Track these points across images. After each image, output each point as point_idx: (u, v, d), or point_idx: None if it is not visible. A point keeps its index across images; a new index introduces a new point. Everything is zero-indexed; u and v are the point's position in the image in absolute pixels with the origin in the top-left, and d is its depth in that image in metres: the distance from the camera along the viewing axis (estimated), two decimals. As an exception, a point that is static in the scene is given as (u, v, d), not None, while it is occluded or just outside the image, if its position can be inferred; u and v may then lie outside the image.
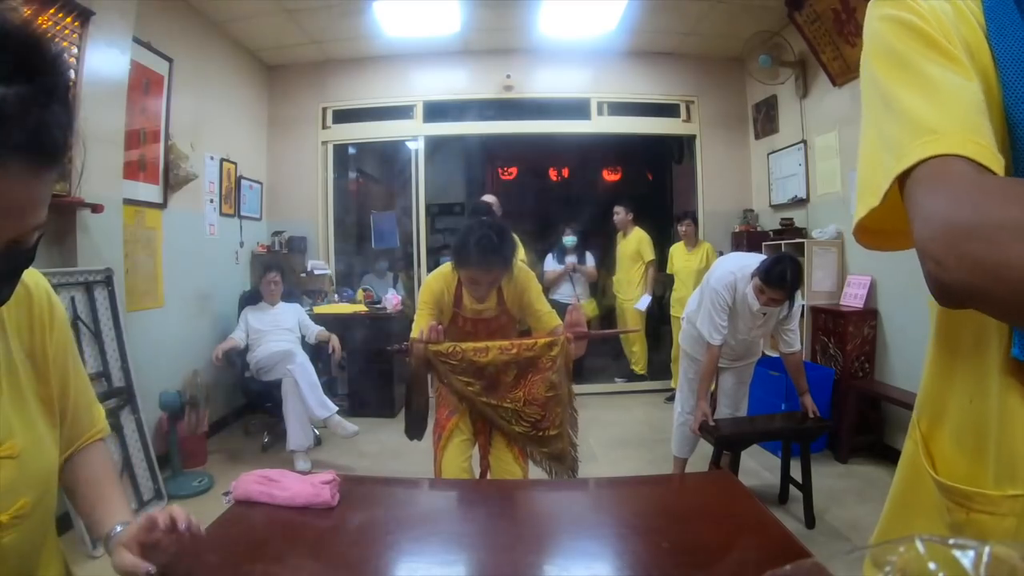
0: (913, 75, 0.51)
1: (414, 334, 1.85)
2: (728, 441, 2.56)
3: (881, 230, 0.56)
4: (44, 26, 0.54)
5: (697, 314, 2.71)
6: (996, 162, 0.46)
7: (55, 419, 0.76)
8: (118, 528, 0.76)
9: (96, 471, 0.84)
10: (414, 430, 1.92)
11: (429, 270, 2.08)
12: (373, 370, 4.24)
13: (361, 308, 4.50)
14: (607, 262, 5.32)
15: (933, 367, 0.64)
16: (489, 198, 3.55)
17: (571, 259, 5.00)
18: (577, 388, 5.05)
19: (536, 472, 1.91)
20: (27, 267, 0.62)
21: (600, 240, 5.33)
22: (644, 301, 4.78)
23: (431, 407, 2.03)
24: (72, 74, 0.58)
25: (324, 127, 4.99)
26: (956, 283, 0.44)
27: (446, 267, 1.95)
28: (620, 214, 4.92)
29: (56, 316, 0.76)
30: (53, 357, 0.75)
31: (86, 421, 0.83)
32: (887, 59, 0.54)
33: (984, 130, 0.47)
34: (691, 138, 5.11)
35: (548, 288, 4.93)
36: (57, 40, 0.54)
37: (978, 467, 0.55)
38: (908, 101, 0.51)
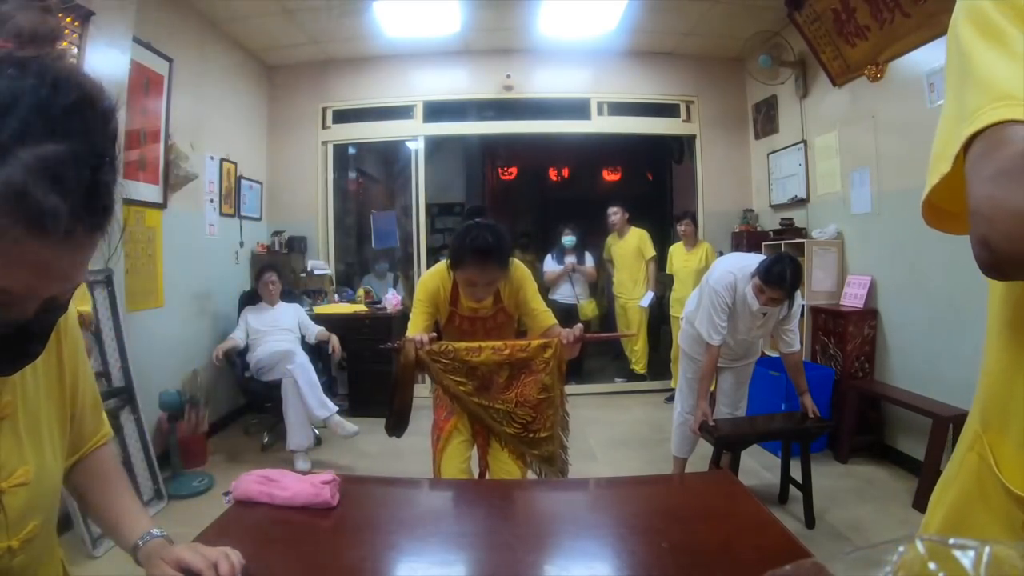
0: (1000, 43, 0.49)
1: (410, 332, 1.84)
2: (728, 441, 2.56)
3: (948, 211, 0.54)
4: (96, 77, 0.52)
5: (696, 314, 2.71)
6: None
7: (65, 430, 0.75)
8: (147, 538, 0.78)
9: (108, 477, 0.84)
10: (394, 428, 1.92)
11: (427, 270, 2.07)
12: (373, 370, 4.23)
13: (361, 308, 4.51)
14: (601, 263, 5.32)
15: (998, 367, 0.60)
16: None
17: (571, 259, 5.00)
18: (577, 388, 5.04)
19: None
20: (59, 317, 0.61)
21: (600, 240, 5.33)
22: (648, 298, 4.79)
23: (432, 407, 2.03)
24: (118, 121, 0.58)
25: (324, 127, 4.99)
26: (1008, 240, 0.42)
27: (442, 265, 1.92)
28: (617, 214, 4.92)
29: (70, 319, 0.76)
30: (67, 360, 0.75)
31: (92, 424, 0.83)
32: (976, 25, 0.52)
33: None
34: (691, 138, 5.11)
35: (548, 288, 4.94)
36: (108, 91, 0.53)
37: None
38: (990, 69, 0.49)
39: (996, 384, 0.61)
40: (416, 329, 1.86)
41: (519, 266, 1.96)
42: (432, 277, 1.94)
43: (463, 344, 1.79)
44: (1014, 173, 0.43)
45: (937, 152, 0.53)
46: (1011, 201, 0.43)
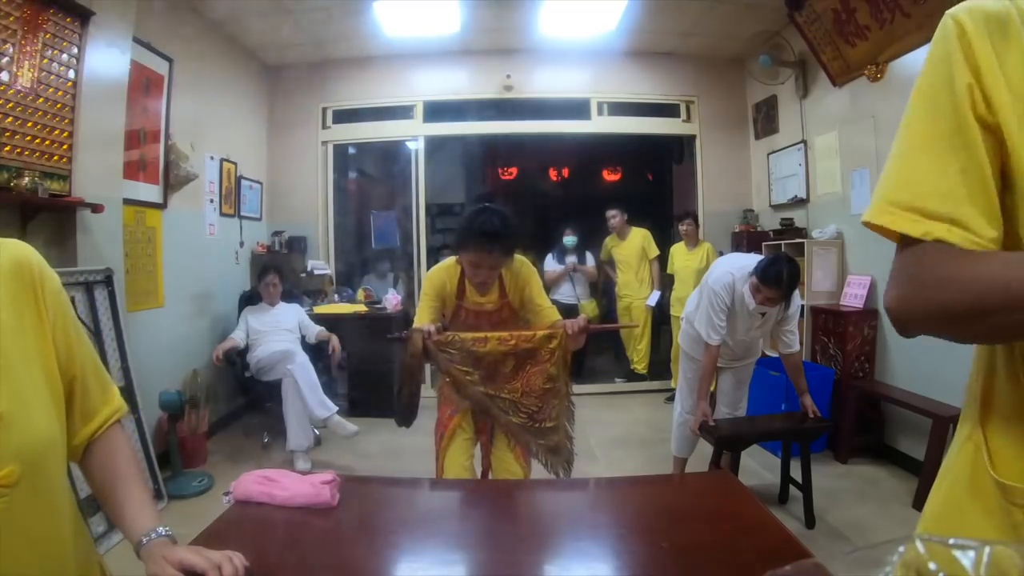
0: (947, 141, 0.57)
1: (416, 324, 1.86)
2: (728, 441, 2.56)
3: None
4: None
5: (696, 314, 2.71)
6: (974, 244, 0.55)
7: (57, 389, 0.75)
8: (152, 536, 0.78)
9: (120, 464, 0.84)
10: (404, 418, 1.93)
11: (429, 270, 2.09)
12: (373, 370, 4.24)
13: (361, 308, 4.51)
14: (599, 264, 5.32)
15: (987, 364, 0.63)
16: None
17: (571, 259, 5.00)
18: (577, 388, 5.03)
19: (537, 472, 1.92)
20: None
21: (600, 240, 5.33)
22: (654, 297, 4.79)
23: (436, 405, 2.03)
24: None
25: (324, 127, 4.99)
26: (913, 321, 0.59)
27: (450, 260, 1.96)
28: (616, 217, 4.91)
29: (47, 284, 0.75)
30: (53, 323, 0.74)
31: (99, 391, 0.82)
32: (924, 106, 0.60)
33: (971, 218, 0.55)
34: (691, 138, 5.11)
35: (548, 288, 4.93)
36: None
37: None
38: (921, 166, 0.59)
39: (988, 377, 0.63)
40: (422, 321, 1.87)
41: (525, 262, 1.97)
42: (439, 271, 1.96)
43: (469, 334, 1.82)
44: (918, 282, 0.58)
45: (886, 184, 0.62)
46: (917, 302, 0.58)
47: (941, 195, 0.57)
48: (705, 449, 2.74)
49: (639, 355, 4.98)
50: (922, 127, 0.60)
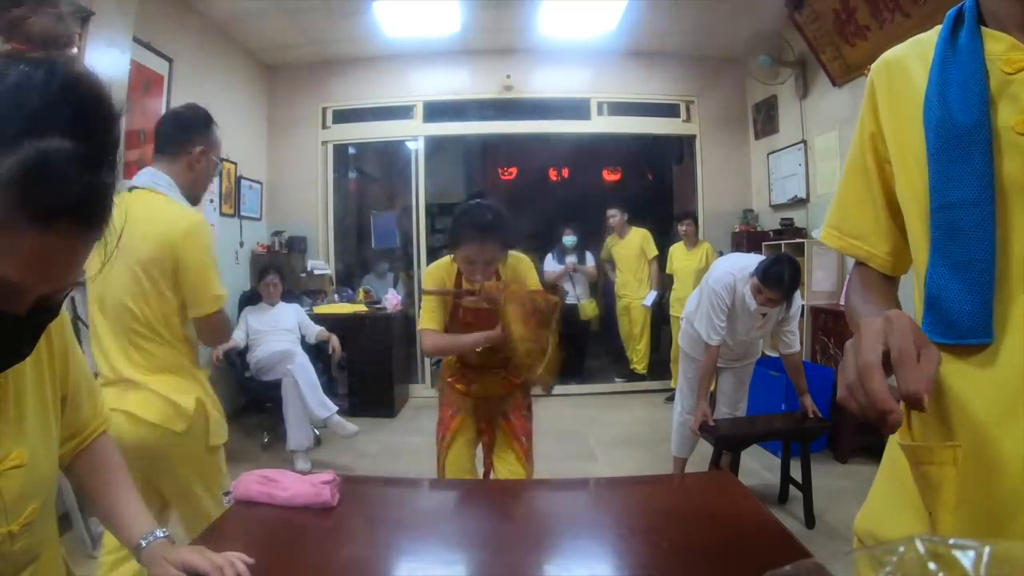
0: (860, 175, 0.75)
1: (425, 325, 1.85)
2: (728, 441, 2.56)
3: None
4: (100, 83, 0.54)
5: (696, 314, 2.71)
6: (869, 255, 0.76)
7: (58, 410, 0.75)
8: (151, 539, 0.78)
9: (110, 471, 0.84)
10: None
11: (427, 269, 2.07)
12: (373, 370, 4.24)
13: (361, 308, 4.51)
14: (599, 263, 5.32)
15: None
16: None
17: (571, 259, 5.00)
18: (577, 388, 5.02)
19: (539, 472, 1.91)
20: (51, 321, 0.61)
21: (600, 240, 5.33)
22: (651, 297, 4.79)
23: (436, 405, 2.03)
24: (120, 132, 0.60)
25: (324, 127, 5.00)
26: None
27: (446, 259, 1.94)
28: (616, 216, 4.91)
29: None
30: (56, 337, 0.74)
31: (89, 408, 0.82)
32: (852, 146, 0.77)
33: (871, 235, 0.75)
34: (691, 138, 5.11)
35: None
36: (115, 97, 0.54)
37: (926, 428, 0.67)
38: (844, 195, 0.79)
39: None
40: (434, 322, 1.86)
41: (522, 258, 1.95)
42: (437, 269, 1.94)
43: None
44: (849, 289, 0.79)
45: (835, 202, 0.81)
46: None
47: (853, 218, 0.76)
48: (705, 449, 2.74)
49: (639, 355, 4.98)
50: (849, 163, 0.77)
